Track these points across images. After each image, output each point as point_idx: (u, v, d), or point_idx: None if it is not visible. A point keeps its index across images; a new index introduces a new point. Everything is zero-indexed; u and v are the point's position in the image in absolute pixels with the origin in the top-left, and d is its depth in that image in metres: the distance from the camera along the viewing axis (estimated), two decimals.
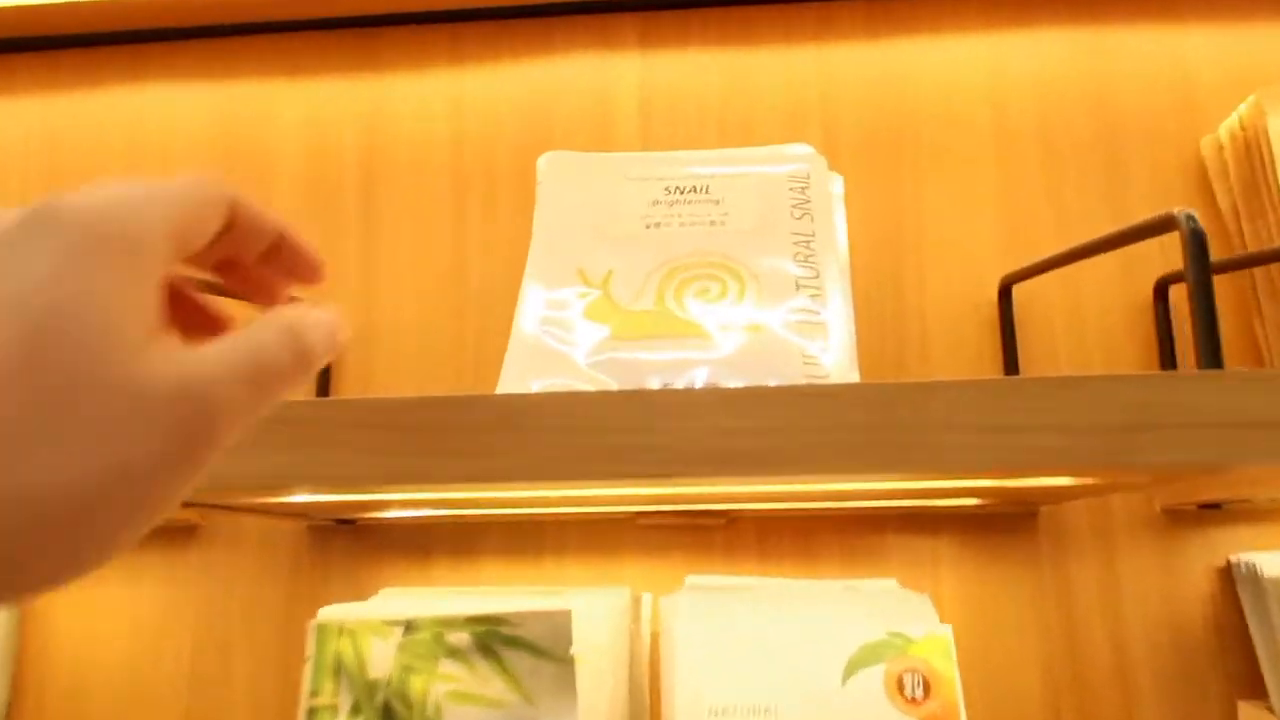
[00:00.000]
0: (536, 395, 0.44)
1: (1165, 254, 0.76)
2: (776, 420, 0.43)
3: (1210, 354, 0.44)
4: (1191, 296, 0.45)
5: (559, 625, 0.47)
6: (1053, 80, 0.80)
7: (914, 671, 0.50)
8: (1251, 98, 0.73)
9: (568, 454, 0.43)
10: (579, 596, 0.54)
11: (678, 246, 0.54)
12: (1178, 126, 0.78)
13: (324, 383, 0.77)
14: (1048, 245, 0.76)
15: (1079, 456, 0.42)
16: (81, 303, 0.20)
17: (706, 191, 0.60)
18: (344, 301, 0.79)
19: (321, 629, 0.49)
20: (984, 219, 0.78)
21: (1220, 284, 0.75)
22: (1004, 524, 0.72)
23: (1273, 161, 0.70)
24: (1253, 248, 0.72)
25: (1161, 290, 0.74)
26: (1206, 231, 0.77)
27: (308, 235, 0.85)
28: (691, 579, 0.66)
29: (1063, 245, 0.77)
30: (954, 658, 0.51)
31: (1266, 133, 0.71)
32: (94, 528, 0.20)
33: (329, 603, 0.73)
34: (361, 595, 0.73)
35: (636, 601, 0.61)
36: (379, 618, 0.49)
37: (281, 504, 0.63)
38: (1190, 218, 0.46)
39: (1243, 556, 0.69)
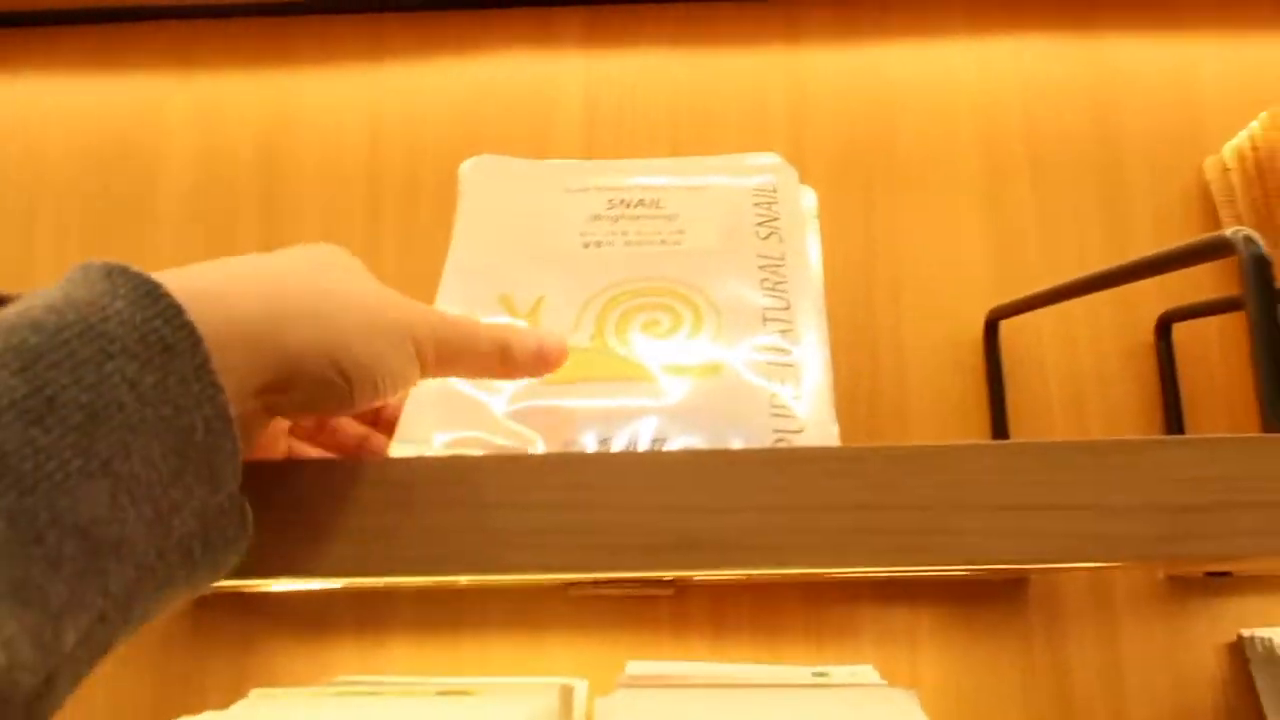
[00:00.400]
0: (434, 461, 0.34)
1: (1165, 289, 0.68)
2: (748, 495, 0.34)
3: (1277, 406, 0.35)
4: (1253, 334, 0.37)
5: None
6: (1044, 92, 0.72)
7: None
8: (1265, 114, 0.66)
9: (475, 539, 0.33)
10: (496, 700, 0.44)
11: (622, 270, 0.44)
12: (1179, 145, 0.71)
13: None
14: (1037, 275, 0.68)
15: (1131, 544, 0.33)
16: (342, 255, 0.31)
17: (658, 205, 0.50)
18: None
19: None
20: (968, 245, 0.69)
21: (1223, 324, 0.68)
22: (990, 593, 0.63)
23: None
24: None
25: (1164, 328, 0.66)
26: (1211, 263, 0.70)
27: (197, 246, 0.70)
28: (634, 665, 0.56)
29: (1053, 274, 0.69)
30: None
31: None
32: (389, 345, 0.29)
33: (206, 693, 0.61)
34: (245, 682, 0.61)
35: (568, 696, 0.50)
36: None
37: None
38: (1250, 239, 0.37)
39: (1257, 633, 0.61)
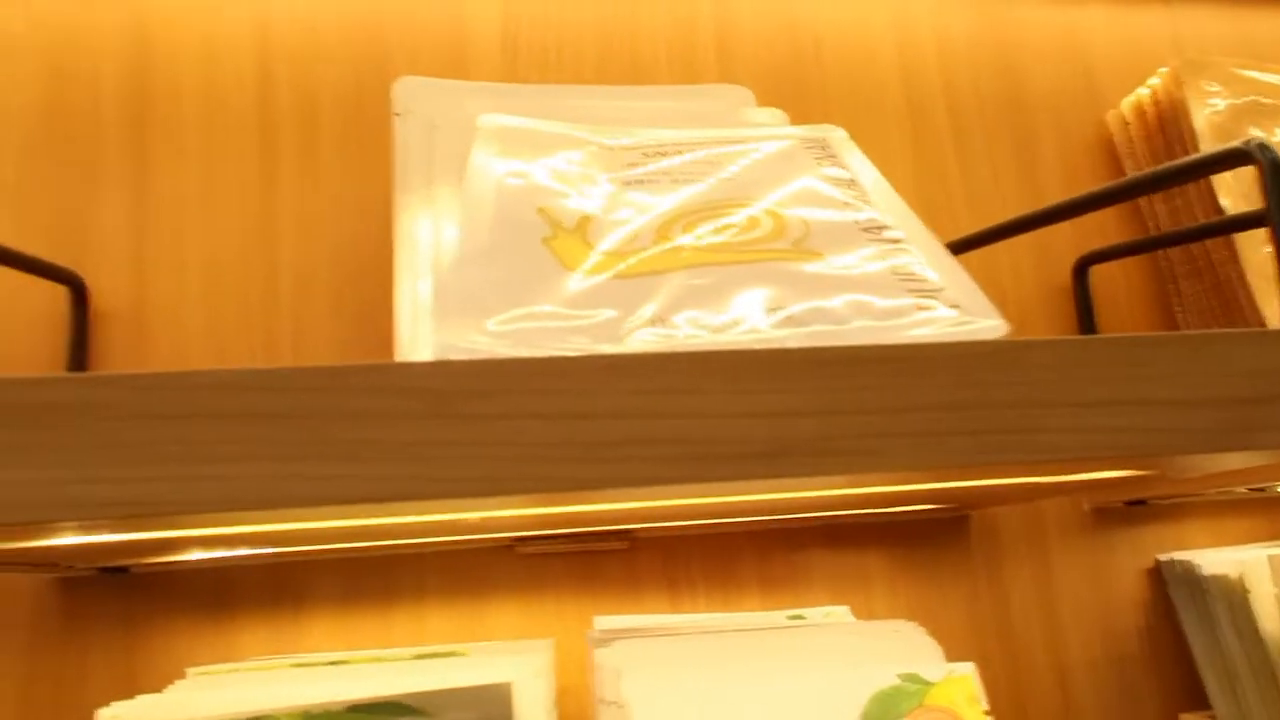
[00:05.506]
0: (475, 364, 0.29)
1: (1077, 236, 0.70)
2: (830, 397, 0.31)
3: None
4: (1275, 236, 0.38)
5: (495, 707, 0.31)
6: (959, 46, 0.73)
7: None
8: (1165, 71, 0.69)
9: (542, 454, 0.29)
10: (488, 658, 0.39)
11: (682, 196, 0.40)
12: (1080, 100, 0.74)
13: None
14: (961, 218, 0.69)
15: (1201, 437, 0.33)
16: None
17: (717, 165, 0.45)
18: (103, 273, 0.58)
19: None
20: (900, 186, 0.69)
21: (1131, 265, 0.71)
22: (934, 531, 0.64)
23: (1193, 135, 0.66)
24: (1167, 226, 0.69)
25: (1081, 270, 0.68)
26: (1113, 212, 0.73)
27: (50, 186, 0.61)
28: (601, 621, 0.52)
29: (975, 218, 0.71)
30: (982, 702, 0.41)
31: (1185, 105, 0.67)
32: None
33: (91, 694, 0.52)
34: (134, 677, 0.52)
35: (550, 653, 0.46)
36: (201, 717, 0.31)
37: (21, 548, 0.43)
38: (1264, 147, 0.38)
39: (1175, 556, 0.64)
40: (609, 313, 0.34)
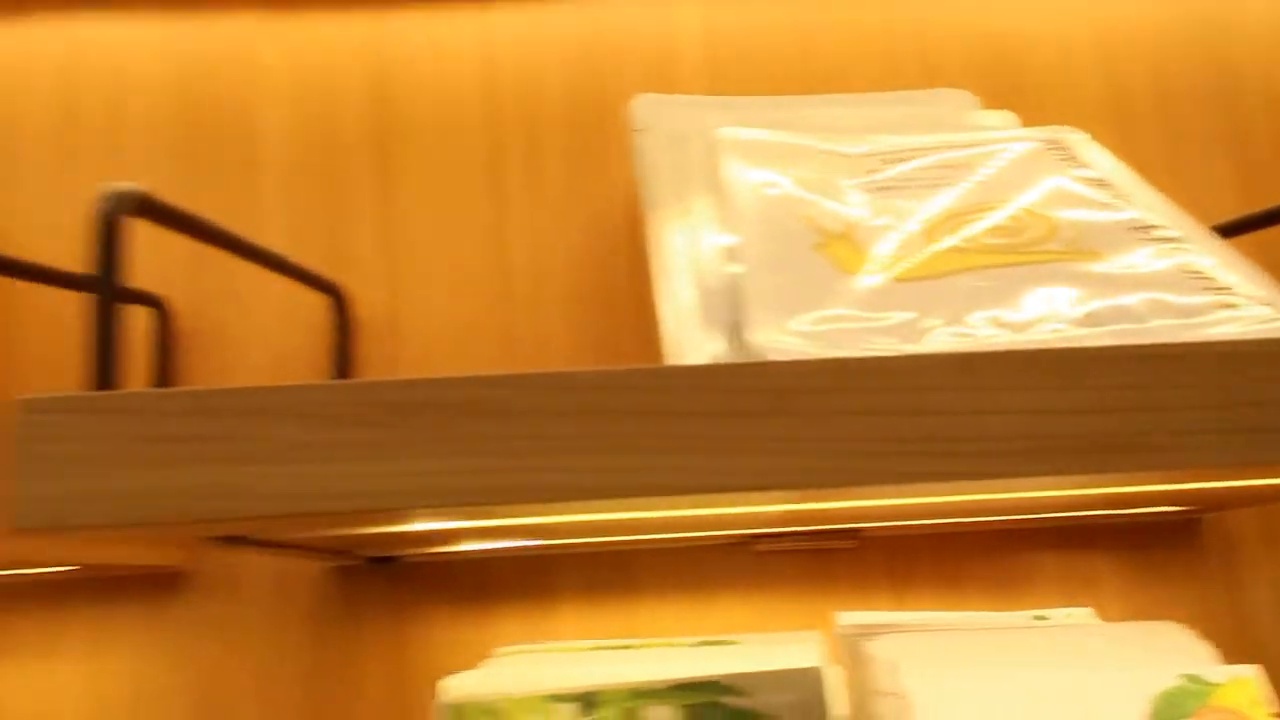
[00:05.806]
0: (807, 363, 0.31)
1: None
2: (1149, 394, 0.31)
3: None
4: None
5: (807, 691, 0.33)
6: (1164, 38, 0.71)
7: None
8: None
9: (871, 448, 0.30)
10: (773, 648, 0.41)
11: (940, 202, 0.41)
12: None
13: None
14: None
15: None
16: None
17: (967, 168, 0.47)
18: (359, 284, 0.63)
19: (458, 712, 0.34)
20: None
21: None
22: (1164, 533, 0.62)
23: None
24: None
25: None
26: None
27: (309, 196, 0.65)
28: (846, 616, 0.53)
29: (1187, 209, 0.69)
30: (1269, 704, 0.40)
31: None
32: None
33: (367, 670, 0.56)
34: (410, 663, 0.57)
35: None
36: (539, 691, 0.34)
37: (318, 536, 0.47)
38: None
39: None
40: (904, 314, 0.35)
